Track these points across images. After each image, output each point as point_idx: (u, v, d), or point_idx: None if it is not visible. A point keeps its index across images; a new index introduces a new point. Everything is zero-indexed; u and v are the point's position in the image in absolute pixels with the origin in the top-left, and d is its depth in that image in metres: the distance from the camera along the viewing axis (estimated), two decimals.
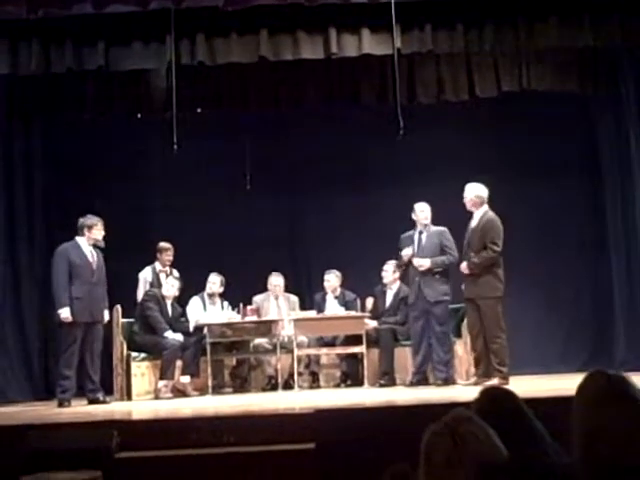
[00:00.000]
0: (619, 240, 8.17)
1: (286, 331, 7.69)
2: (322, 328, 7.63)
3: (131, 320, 7.54)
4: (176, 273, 7.92)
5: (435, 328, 7.02)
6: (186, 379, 7.41)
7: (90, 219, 6.90)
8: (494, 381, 6.28)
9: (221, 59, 7.11)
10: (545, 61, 7.69)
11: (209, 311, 7.87)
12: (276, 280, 8.12)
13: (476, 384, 6.37)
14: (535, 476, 1.94)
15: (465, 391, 6.18)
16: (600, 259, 8.47)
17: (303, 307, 8.27)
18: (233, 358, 7.92)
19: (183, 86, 7.01)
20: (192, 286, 7.95)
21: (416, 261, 7.06)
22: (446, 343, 7.07)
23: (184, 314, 7.84)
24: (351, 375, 7.75)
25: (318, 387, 7.82)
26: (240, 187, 8.32)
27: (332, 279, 8.02)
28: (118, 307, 7.24)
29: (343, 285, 8.09)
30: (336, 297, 8.01)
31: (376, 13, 6.84)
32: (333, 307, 7.90)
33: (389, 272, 7.84)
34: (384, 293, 8.03)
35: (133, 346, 7.40)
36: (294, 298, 8.24)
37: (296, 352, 7.42)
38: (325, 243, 8.68)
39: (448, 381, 6.96)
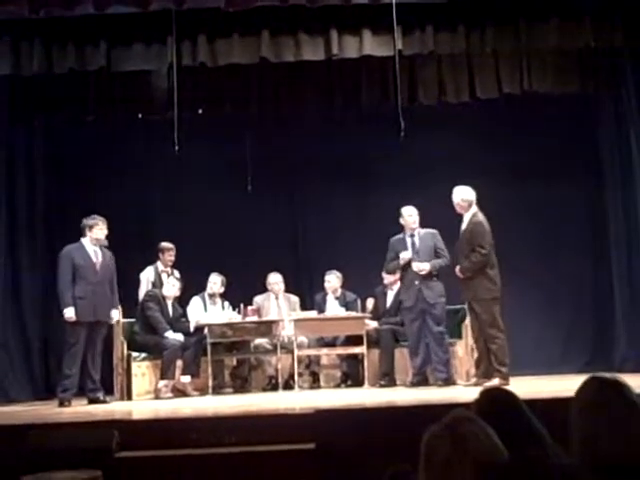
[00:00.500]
0: (620, 240, 8.16)
1: (286, 331, 7.70)
2: (322, 328, 7.63)
3: (132, 320, 7.55)
4: (177, 273, 7.93)
5: (433, 328, 7.03)
6: (186, 379, 7.42)
7: (92, 219, 6.92)
8: (494, 382, 6.29)
9: (222, 60, 7.13)
10: (546, 62, 7.69)
11: (210, 311, 7.87)
12: (274, 278, 8.12)
13: (476, 385, 6.38)
14: (535, 476, 1.94)
15: (465, 392, 6.19)
16: (601, 259, 8.47)
17: (304, 307, 8.27)
18: (233, 358, 7.92)
19: (184, 87, 7.02)
20: (193, 286, 7.96)
21: (415, 265, 7.07)
22: (444, 343, 7.08)
23: (185, 314, 7.85)
24: (351, 375, 7.75)
25: (318, 387, 7.83)
26: (241, 188, 8.33)
27: (333, 280, 8.02)
28: (119, 307, 7.25)
29: (344, 286, 8.09)
30: (337, 298, 8.02)
31: (377, 14, 6.86)
32: (334, 307, 7.90)
33: None
34: (385, 294, 8.04)
35: (134, 346, 7.41)
36: (295, 298, 8.25)
37: (296, 352, 7.42)
38: (326, 244, 8.68)
39: (448, 382, 6.97)
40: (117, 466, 4.30)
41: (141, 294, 7.75)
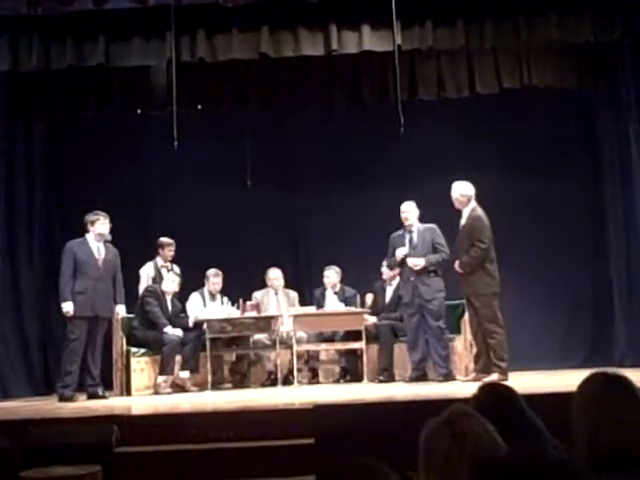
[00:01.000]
0: (619, 237, 8.17)
1: (285, 327, 7.70)
2: (321, 324, 7.64)
3: (131, 315, 7.55)
4: (177, 269, 7.93)
5: (431, 324, 7.03)
6: (185, 374, 7.43)
7: (93, 215, 6.95)
8: (493, 377, 6.30)
9: (221, 56, 7.11)
10: (546, 57, 7.69)
11: (209, 307, 7.88)
12: (274, 273, 8.13)
13: (475, 380, 6.38)
14: (534, 471, 1.94)
15: (464, 387, 6.19)
16: (600, 256, 8.47)
17: (303, 303, 8.27)
18: (232, 354, 7.93)
19: (183, 83, 7.00)
20: (192, 282, 7.96)
21: (410, 261, 7.06)
22: (443, 338, 7.08)
23: (184, 310, 7.85)
24: (350, 371, 7.76)
25: (317, 383, 7.84)
26: (240, 183, 8.33)
27: (332, 275, 8.03)
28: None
29: (343, 281, 8.10)
30: (336, 293, 8.02)
31: (376, 10, 6.85)
32: (333, 303, 7.90)
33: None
34: (384, 289, 8.05)
35: (133, 341, 7.41)
36: (294, 294, 8.25)
37: (295, 348, 7.42)
38: (325, 239, 8.68)
39: (448, 377, 6.97)
40: (116, 461, 4.32)
41: (141, 290, 7.75)
